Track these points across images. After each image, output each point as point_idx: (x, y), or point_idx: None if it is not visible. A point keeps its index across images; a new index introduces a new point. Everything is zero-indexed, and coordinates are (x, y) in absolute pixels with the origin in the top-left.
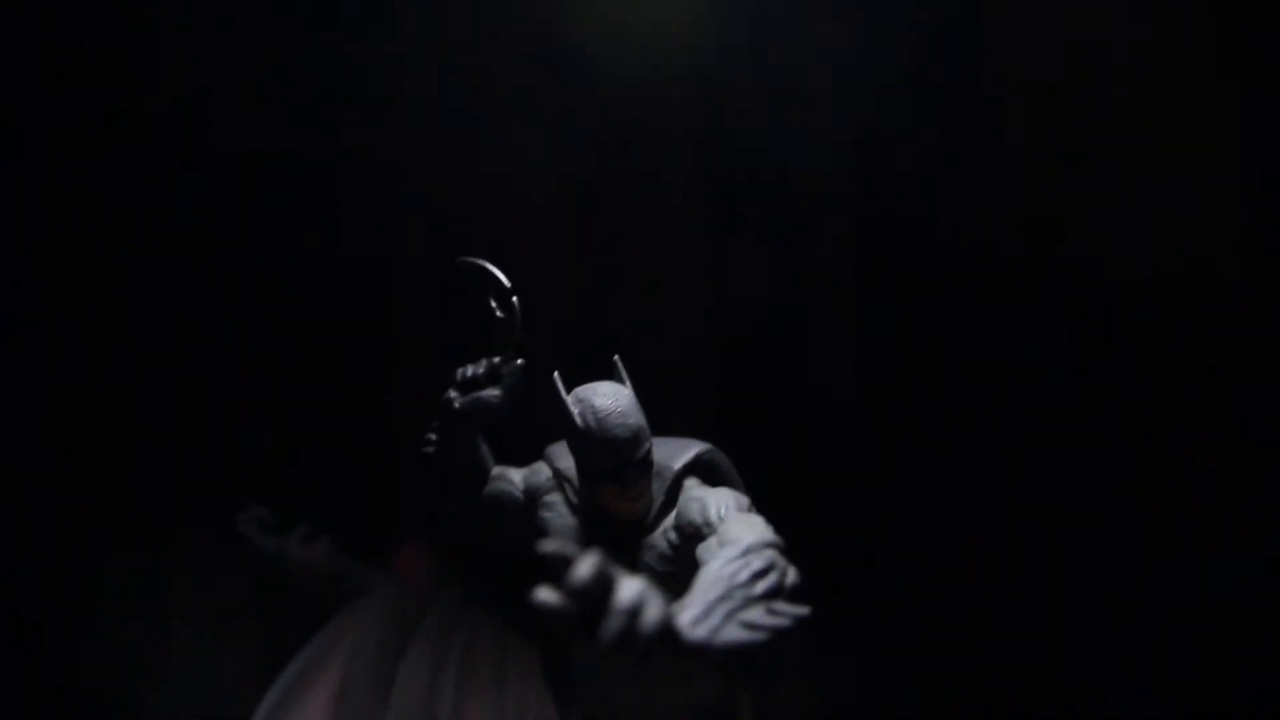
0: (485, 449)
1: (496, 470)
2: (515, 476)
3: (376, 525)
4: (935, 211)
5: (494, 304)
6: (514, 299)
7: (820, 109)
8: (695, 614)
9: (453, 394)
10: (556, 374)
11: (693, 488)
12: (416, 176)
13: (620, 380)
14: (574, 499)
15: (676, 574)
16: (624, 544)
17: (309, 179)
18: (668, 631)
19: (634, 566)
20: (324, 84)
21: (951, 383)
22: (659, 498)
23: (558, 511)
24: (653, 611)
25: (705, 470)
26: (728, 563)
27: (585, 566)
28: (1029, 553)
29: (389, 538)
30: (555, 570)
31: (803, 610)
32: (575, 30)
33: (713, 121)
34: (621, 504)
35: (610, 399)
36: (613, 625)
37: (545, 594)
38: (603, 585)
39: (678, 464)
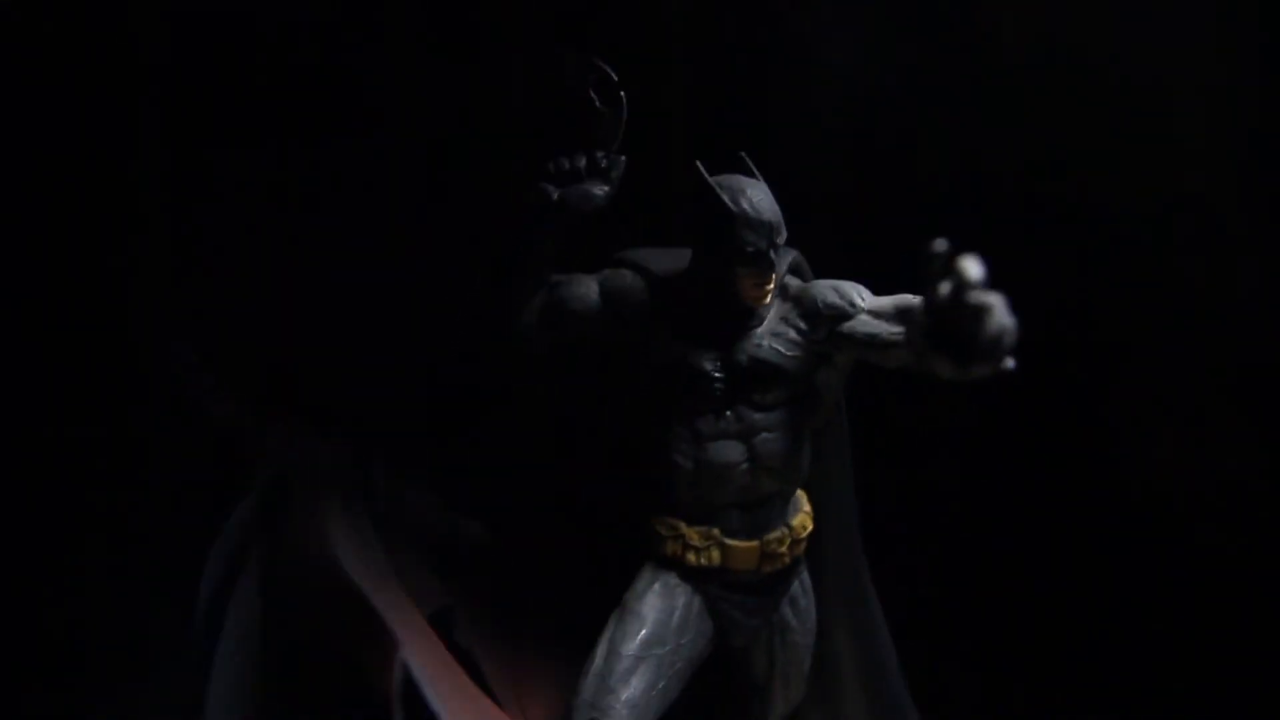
0: None
1: (563, 276)
2: (589, 280)
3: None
4: (932, 147)
5: (595, 97)
6: (621, 93)
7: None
8: None
9: (549, 186)
10: (699, 163)
11: (800, 283)
12: None
13: (752, 174)
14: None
15: (801, 358)
16: (722, 338)
17: None
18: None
19: (736, 359)
20: None
21: None
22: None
23: (650, 309)
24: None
25: (797, 272)
26: None
27: (977, 264)
28: (1008, 482)
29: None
30: None
31: None
32: None
33: None
34: (757, 290)
35: (756, 187)
36: (997, 319)
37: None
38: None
39: (784, 262)
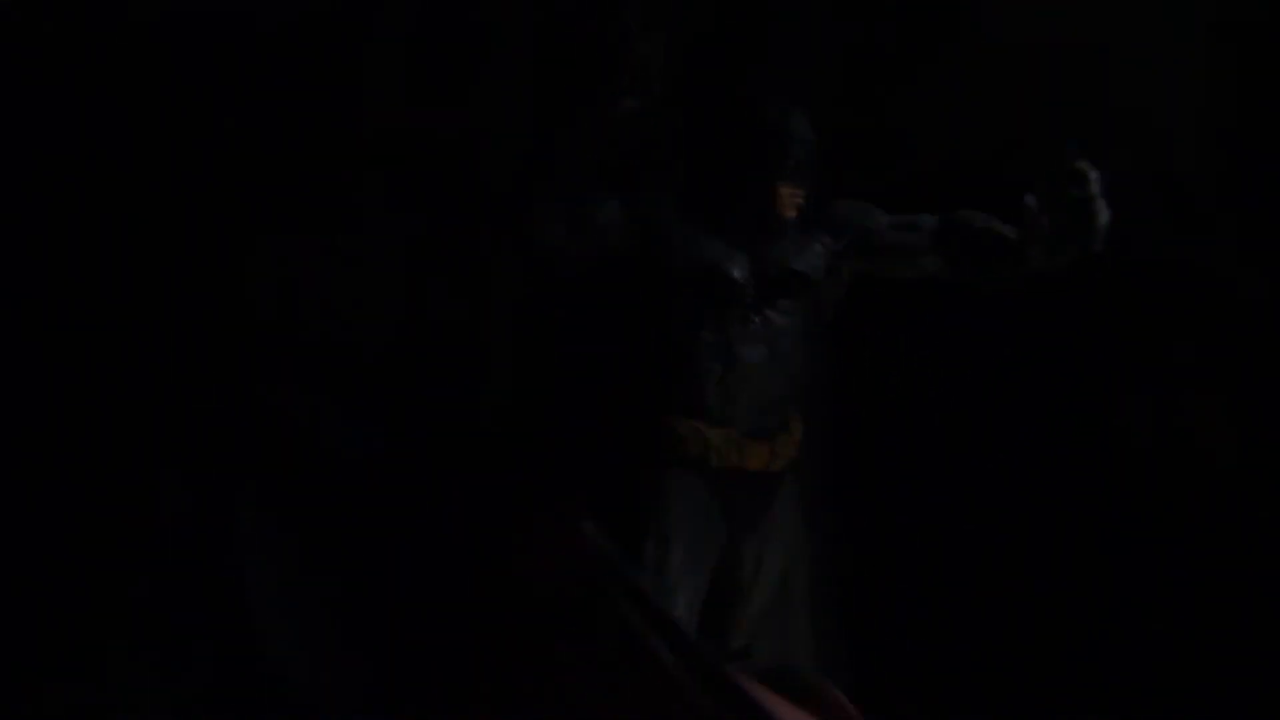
0: None
1: (589, 193)
2: (614, 196)
3: None
4: (899, 124)
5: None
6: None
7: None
8: None
9: (600, 100)
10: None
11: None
12: None
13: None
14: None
15: (823, 268)
16: (752, 249)
17: None
18: None
19: (766, 269)
20: None
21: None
22: None
23: (681, 218)
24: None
25: None
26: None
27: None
28: (997, 462)
29: None
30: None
31: None
32: None
33: None
34: (792, 203)
35: (795, 109)
36: (1105, 211)
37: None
38: None
39: None
